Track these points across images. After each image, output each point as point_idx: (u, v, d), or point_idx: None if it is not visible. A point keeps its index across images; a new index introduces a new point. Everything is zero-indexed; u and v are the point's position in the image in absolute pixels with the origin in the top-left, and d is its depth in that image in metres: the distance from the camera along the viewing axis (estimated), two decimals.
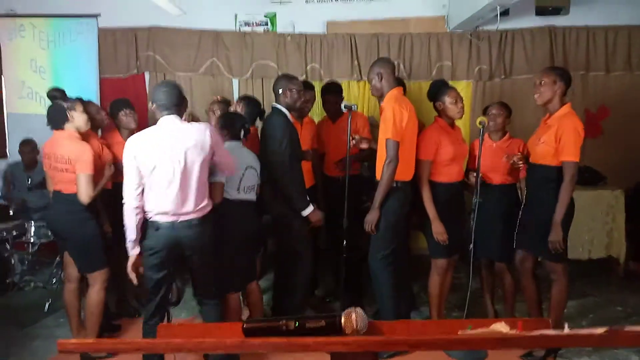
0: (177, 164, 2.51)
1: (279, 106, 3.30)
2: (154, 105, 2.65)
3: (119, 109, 3.63)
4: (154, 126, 2.63)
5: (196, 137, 2.56)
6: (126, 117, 3.62)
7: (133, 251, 2.61)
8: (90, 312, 3.13)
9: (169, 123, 2.58)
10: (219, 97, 4.28)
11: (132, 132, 3.66)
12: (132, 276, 2.61)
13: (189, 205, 2.55)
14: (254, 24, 5.27)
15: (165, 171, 2.50)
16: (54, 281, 4.27)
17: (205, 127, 2.63)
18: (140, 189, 2.56)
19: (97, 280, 3.11)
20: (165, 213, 2.54)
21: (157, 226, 2.56)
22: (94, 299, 3.12)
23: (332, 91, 4.01)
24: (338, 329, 1.34)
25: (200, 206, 2.59)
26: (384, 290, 3.23)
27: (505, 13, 4.74)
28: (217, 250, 2.79)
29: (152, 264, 2.60)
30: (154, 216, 2.57)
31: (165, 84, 2.72)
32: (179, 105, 2.66)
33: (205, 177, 2.62)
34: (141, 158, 2.52)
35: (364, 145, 3.45)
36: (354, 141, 3.33)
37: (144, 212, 2.59)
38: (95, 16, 5.04)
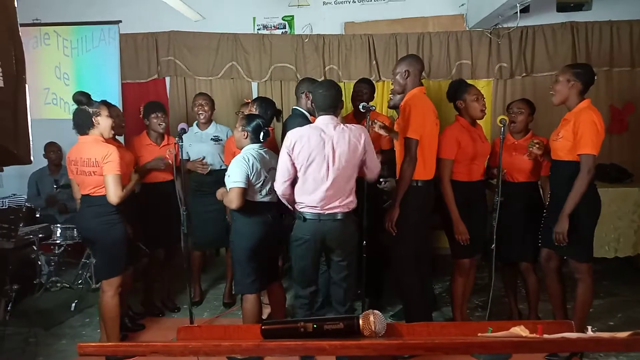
0: (331, 162, 2.64)
1: (299, 108, 3.32)
2: (312, 105, 2.85)
3: (152, 111, 3.74)
4: (312, 124, 2.79)
5: (351, 139, 2.67)
6: (157, 120, 3.73)
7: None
8: (107, 318, 3.16)
9: (326, 123, 2.71)
10: (248, 99, 4.33)
11: (160, 135, 3.77)
12: None
13: (337, 202, 2.69)
14: (272, 27, 5.30)
15: (319, 167, 2.65)
16: (80, 282, 4.37)
17: (360, 130, 2.73)
18: (288, 182, 2.74)
19: (112, 286, 3.13)
20: (314, 207, 2.68)
21: (304, 217, 2.72)
22: (110, 305, 3.13)
23: (366, 82, 3.99)
24: (356, 331, 1.33)
25: (346, 202, 2.71)
26: (408, 290, 3.22)
27: (525, 10, 4.65)
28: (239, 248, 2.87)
29: (299, 254, 2.78)
30: (303, 207, 2.71)
31: (322, 87, 2.81)
32: (335, 107, 2.78)
33: (354, 176, 2.73)
34: (296, 153, 2.67)
35: (382, 132, 3.37)
36: (373, 126, 3.29)
37: (295, 201, 2.77)
38: (117, 23, 5.12)
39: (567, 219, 2.82)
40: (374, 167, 2.84)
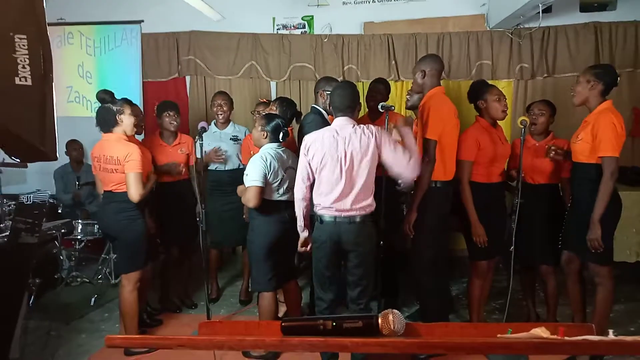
0: (343, 163, 2.64)
1: (317, 106, 3.34)
2: (330, 108, 2.86)
3: (164, 110, 3.77)
4: (328, 126, 2.81)
5: (362, 138, 2.66)
6: (168, 119, 3.75)
7: (302, 234, 2.87)
8: (126, 312, 3.21)
9: (340, 124, 2.73)
10: (264, 99, 4.36)
11: (172, 134, 3.80)
12: (302, 250, 2.93)
13: (353, 203, 2.67)
14: (292, 27, 5.33)
15: (332, 169, 2.66)
16: (100, 277, 4.44)
17: (373, 129, 2.71)
18: (308, 184, 2.75)
19: (131, 281, 3.19)
20: (330, 208, 2.68)
21: (321, 219, 2.73)
22: (128, 300, 3.19)
23: (381, 82, 4.00)
24: (375, 330, 1.34)
25: (362, 205, 2.68)
26: (425, 292, 3.21)
27: (547, 10, 4.61)
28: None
29: (318, 255, 2.79)
30: (320, 209, 2.72)
31: (340, 87, 2.85)
32: (352, 107, 2.79)
33: (371, 178, 2.70)
34: (311, 155, 2.70)
35: (397, 137, 3.39)
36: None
37: (312, 204, 2.77)
38: (139, 22, 5.20)
39: (599, 224, 2.78)
40: (398, 163, 2.66)
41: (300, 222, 2.85)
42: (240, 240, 3.98)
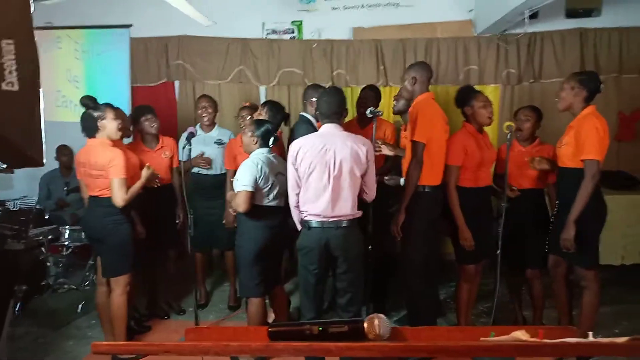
0: (332, 170, 2.64)
1: (306, 115, 3.36)
2: (316, 113, 2.84)
3: (141, 114, 3.73)
4: (316, 133, 2.80)
5: (354, 148, 2.66)
6: (148, 122, 3.72)
7: None
8: (115, 316, 3.20)
9: (329, 131, 2.73)
10: (248, 102, 4.36)
11: (154, 138, 3.78)
12: None
13: (340, 210, 2.67)
14: (281, 32, 5.35)
15: (320, 176, 2.64)
16: (87, 283, 4.41)
17: (366, 142, 2.73)
18: (298, 191, 2.74)
19: (119, 285, 3.18)
20: (317, 215, 2.68)
21: (308, 225, 2.72)
22: (117, 303, 3.19)
23: (372, 89, 4.02)
24: (361, 335, 1.36)
25: (349, 212, 2.69)
26: (414, 295, 3.23)
27: (534, 16, 4.67)
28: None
29: (305, 263, 2.76)
30: (307, 216, 2.72)
31: (327, 94, 2.84)
32: (339, 114, 2.78)
33: (357, 187, 2.71)
34: (299, 162, 2.69)
35: (387, 152, 3.44)
36: (377, 147, 3.32)
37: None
38: (128, 27, 5.17)
39: (574, 225, 2.82)
40: (371, 186, 2.80)
41: (299, 227, 2.86)
42: (224, 244, 3.97)
